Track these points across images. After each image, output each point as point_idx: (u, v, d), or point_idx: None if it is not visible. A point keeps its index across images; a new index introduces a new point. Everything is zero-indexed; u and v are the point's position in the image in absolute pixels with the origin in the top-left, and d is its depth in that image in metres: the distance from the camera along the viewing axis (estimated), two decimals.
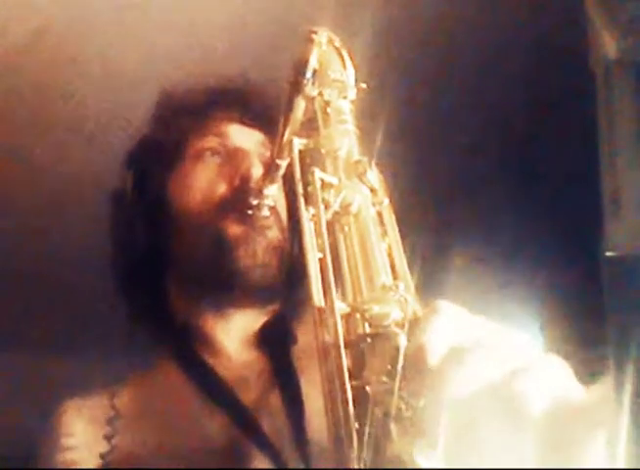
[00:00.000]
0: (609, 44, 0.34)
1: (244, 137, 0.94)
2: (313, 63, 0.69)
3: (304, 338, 0.88)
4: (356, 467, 0.50)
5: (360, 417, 0.55)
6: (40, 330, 2.64)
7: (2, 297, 2.51)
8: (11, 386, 2.69)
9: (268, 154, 0.90)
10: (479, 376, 0.47)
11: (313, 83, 0.69)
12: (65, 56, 1.92)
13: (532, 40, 1.79)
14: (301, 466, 0.78)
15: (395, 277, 0.62)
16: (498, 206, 1.99)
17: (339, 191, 0.63)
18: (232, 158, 0.92)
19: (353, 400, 0.54)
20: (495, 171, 2.03)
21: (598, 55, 0.35)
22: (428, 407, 0.50)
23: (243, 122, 0.95)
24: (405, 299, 0.59)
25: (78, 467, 0.84)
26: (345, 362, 0.56)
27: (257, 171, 0.87)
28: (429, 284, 0.61)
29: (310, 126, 0.69)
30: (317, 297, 0.59)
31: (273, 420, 0.82)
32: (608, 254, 0.33)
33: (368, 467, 0.50)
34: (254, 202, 0.85)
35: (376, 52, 0.68)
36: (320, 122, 0.68)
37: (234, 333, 0.90)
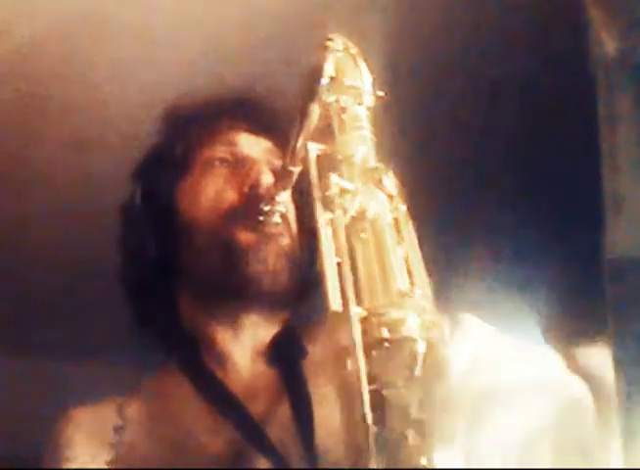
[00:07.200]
0: (609, 45, 0.34)
1: (252, 146, 0.94)
2: (329, 69, 0.69)
3: (315, 349, 0.87)
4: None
5: (377, 421, 0.55)
6: (48, 337, 2.66)
7: (11, 303, 2.54)
8: (19, 392, 2.72)
9: (277, 162, 0.90)
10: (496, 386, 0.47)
11: (329, 90, 0.69)
12: (69, 61, 1.93)
13: (533, 41, 1.78)
14: None
15: (412, 283, 0.62)
16: (499, 207, 1.98)
17: (354, 197, 0.64)
18: (241, 166, 0.92)
19: (370, 404, 0.55)
20: (496, 172, 2.02)
21: (598, 55, 0.35)
22: (445, 412, 0.50)
23: (251, 131, 0.95)
24: (421, 304, 0.59)
25: (81, 467, 0.85)
26: (363, 366, 0.56)
27: (267, 179, 0.87)
28: (436, 287, 0.61)
29: (326, 133, 0.69)
30: (334, 300, 0.60)
31: (282, 433, 0.81)
32: (609, 254, 0.33)
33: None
34: (266, 208, 0.85)
35: (388, 57, 0.68)
36: (336, 129, 0.68)
37: (244, 344, 0.90)
